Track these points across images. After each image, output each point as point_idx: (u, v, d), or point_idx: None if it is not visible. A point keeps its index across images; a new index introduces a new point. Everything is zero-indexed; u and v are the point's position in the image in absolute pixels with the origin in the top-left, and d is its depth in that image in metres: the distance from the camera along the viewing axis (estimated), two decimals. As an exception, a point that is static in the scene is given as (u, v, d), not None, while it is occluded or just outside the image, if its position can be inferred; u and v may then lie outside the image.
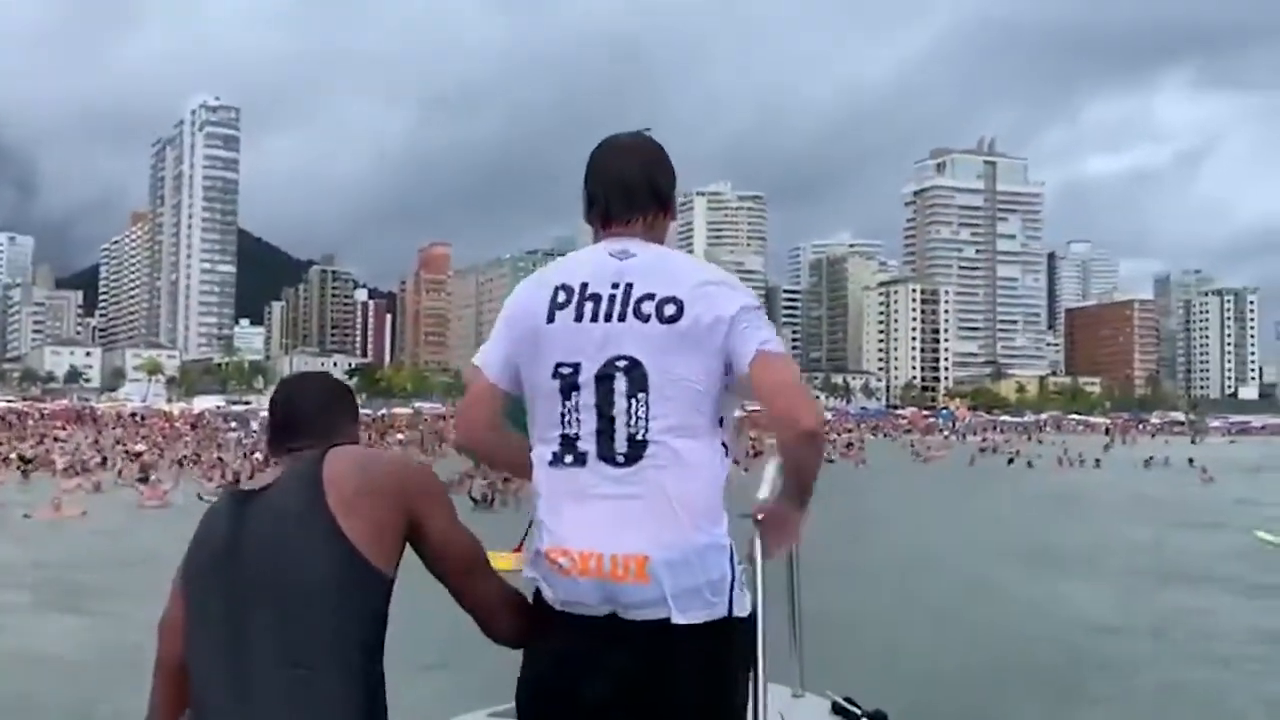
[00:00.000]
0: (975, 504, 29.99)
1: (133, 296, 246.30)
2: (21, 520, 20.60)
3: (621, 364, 1.95)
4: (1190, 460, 47.26)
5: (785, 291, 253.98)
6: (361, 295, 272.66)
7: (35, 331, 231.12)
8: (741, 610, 1.94)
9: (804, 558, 2.49)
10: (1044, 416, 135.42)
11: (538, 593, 2.01)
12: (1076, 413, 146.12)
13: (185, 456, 38.92)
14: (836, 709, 2.81)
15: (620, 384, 1.95)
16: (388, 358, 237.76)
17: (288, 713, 1.77)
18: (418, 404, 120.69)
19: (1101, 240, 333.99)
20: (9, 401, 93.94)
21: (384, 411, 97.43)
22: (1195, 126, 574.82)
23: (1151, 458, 47.30)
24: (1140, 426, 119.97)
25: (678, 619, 1.88)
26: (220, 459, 36.16)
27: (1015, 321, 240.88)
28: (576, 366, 1.97)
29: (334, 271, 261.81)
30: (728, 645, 1.93)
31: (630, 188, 2.10)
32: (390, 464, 2.00)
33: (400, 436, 56.14)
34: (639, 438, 1.93)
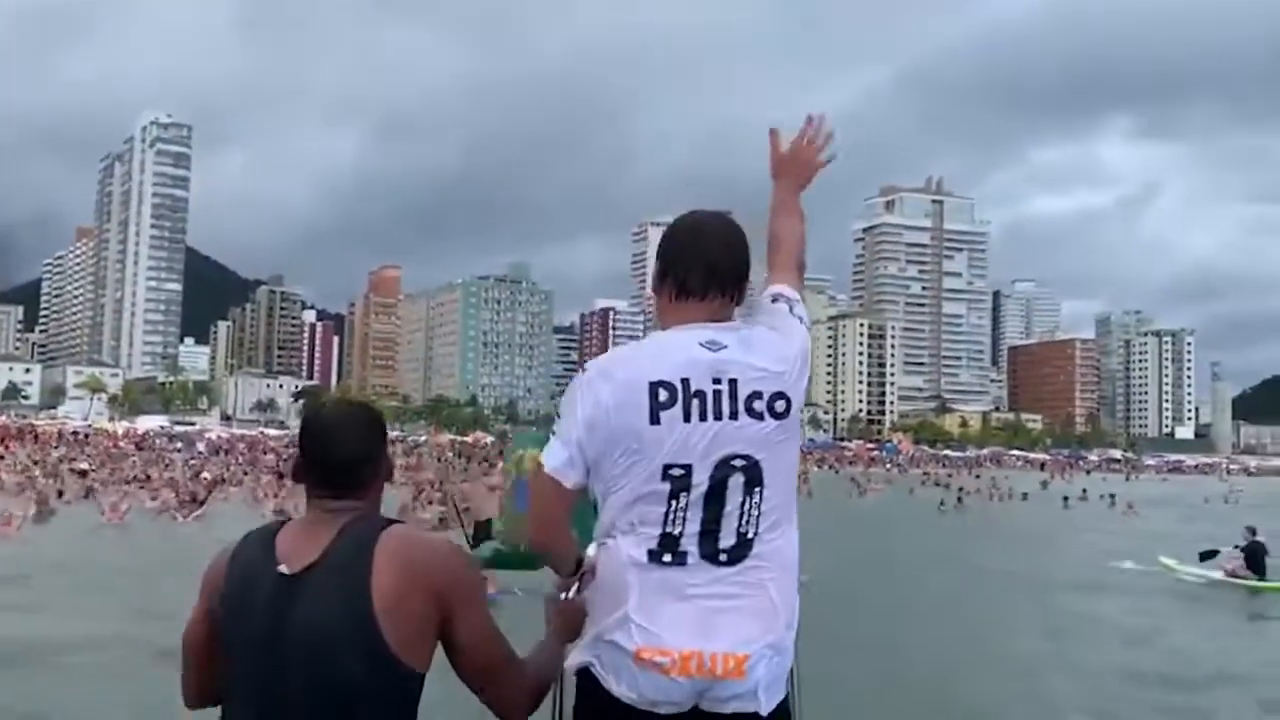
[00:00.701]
0: (904, 530, 31.57)
1: (75, 313, 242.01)
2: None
3: (738, 463, 1.96)
4: (1109, 496, 49.17)
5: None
6: (309, 316, 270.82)
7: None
8: (786, 690, 2.06)
9: None
10: (985, 451, 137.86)
11: (593, 684, 2.01)
12: (1018, 448, 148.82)
13: (135, 476, 38.70)
14: None
15: (736, 482, 1.96)
16: (334, 380, 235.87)
17: None
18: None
19: (1045, 279, 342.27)
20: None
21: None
22: (1137, 171, 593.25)
23: (1066, 496, 49.04)
24: (1078, 463, 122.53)
25: (765, 710, 1.97)
26: (173, 478, 36.11)
27: (960, 358, 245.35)
28: (688, 468, 1.95)
29: (282, 292, 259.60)
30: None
31: (715, 269, 2.11)
32: (434, 558, 1.95)
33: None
34: (749, 536, 1.97)
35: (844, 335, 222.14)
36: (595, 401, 2.00)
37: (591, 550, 2.09)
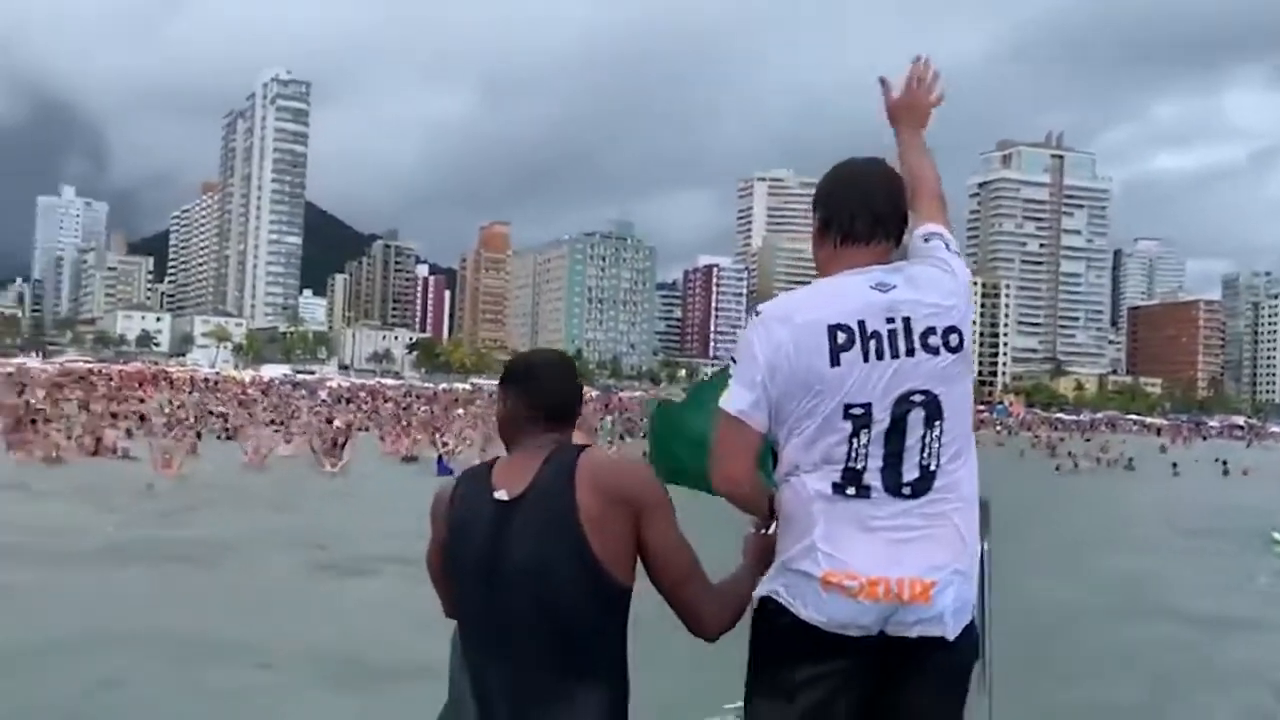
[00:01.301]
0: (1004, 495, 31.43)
1: (201, 264, 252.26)
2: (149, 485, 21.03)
3: (917, 398, 2.03)
4: (1222, 462, 47.67)
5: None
6: (422, 271, 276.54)
7: (108, 295, 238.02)
8: (971, 617, 2.12)
9: None
10: (1100, 416, 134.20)
11: (778, 611, 2.08)
12: (1135, 413, 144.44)
13: (272, 420, 41.10)
14: None
15: (916, 416, 2.03)
16: (445, 333, 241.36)
17: (551, 716, 2.02)
18: (475, 380, 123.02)
19: (1169, 238, 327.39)
20: (86, 362, 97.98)
21: (444, 386, 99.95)
22: (1270, 125, 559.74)
23: (1175, 463, 47.65)
24: (1198, 429, 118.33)
25: (951, 635, 2.03)
26: (310, 423, 38.41)
27: (1077, 318, 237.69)
28: (868, 406, 2.02)
29: (397, 246, 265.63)
30: (969, 651, 2.12)
31: (878, 213, 2.17)
32: (627, 474, 2.11)
33: (460, 412, 57.97)
34: (931, 468, 2.03)
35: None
36: (775, 345, 2.05)
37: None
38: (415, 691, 4.49)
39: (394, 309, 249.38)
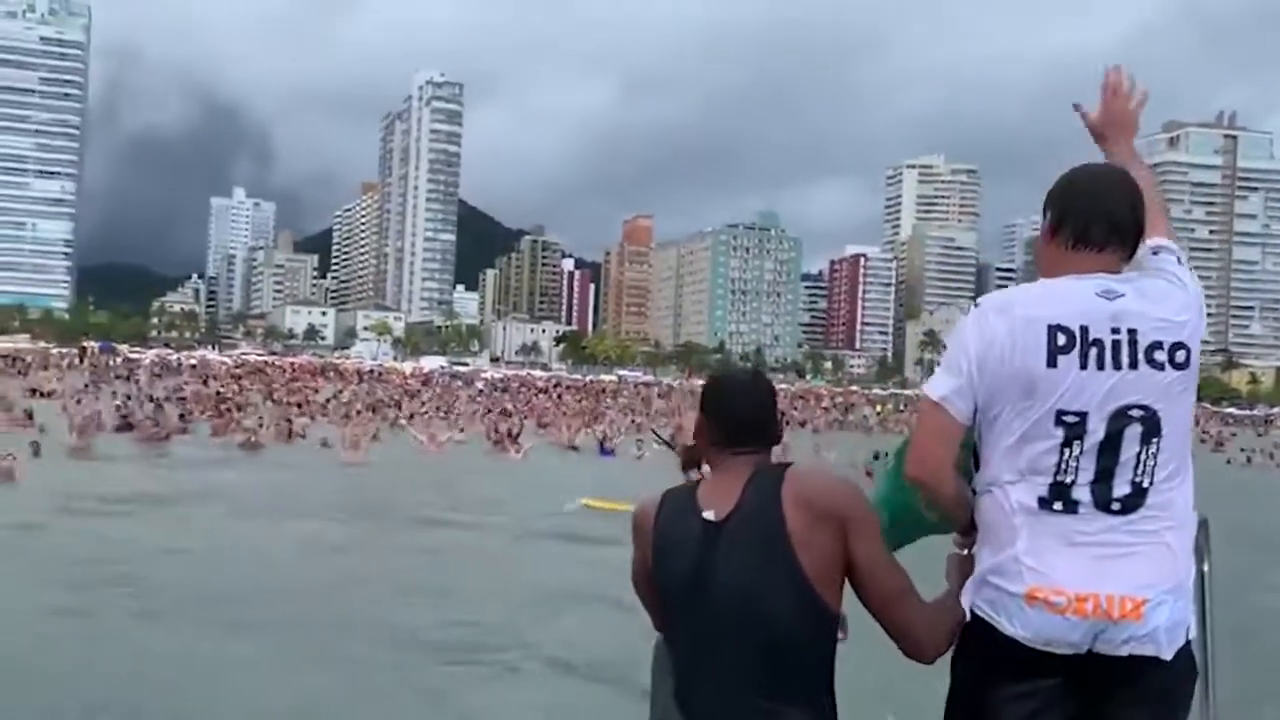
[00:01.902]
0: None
1: (361, 261, 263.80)
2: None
3: (1136, 413, 1.95)
4: None
5: (998, 269, 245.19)
6: (568, 265, 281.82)
7: (276, 291, 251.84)
8: (1187, 638, 2.03)
9: None
10: (1276, 410, 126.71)
11: (981, 627, 2.03)
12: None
13: (437, 408, 43.46)
14: None
15: (1133, 432, 1.95)
16: (590, 325, 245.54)
17: None
18: (620, 372, 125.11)
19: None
20: (258, 355, 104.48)
21: (591, 377, 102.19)
22: None
23: None
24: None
25: (1166, 655, 1.95)
26: (486, 414, 40.67)
27: (1251, 308, 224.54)
28: (1083, 416, 1.95)
29: (543, 241, 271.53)
30: (1185, 672, 2.02)
31: (1116, 222, 2.09)
32: (833, 488, 2.08)
33: (609, 402, 59.49)
34: (1144, 485, 1.96)
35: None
36: (990, 337, 2.00)
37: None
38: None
39: (541, 302, 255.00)
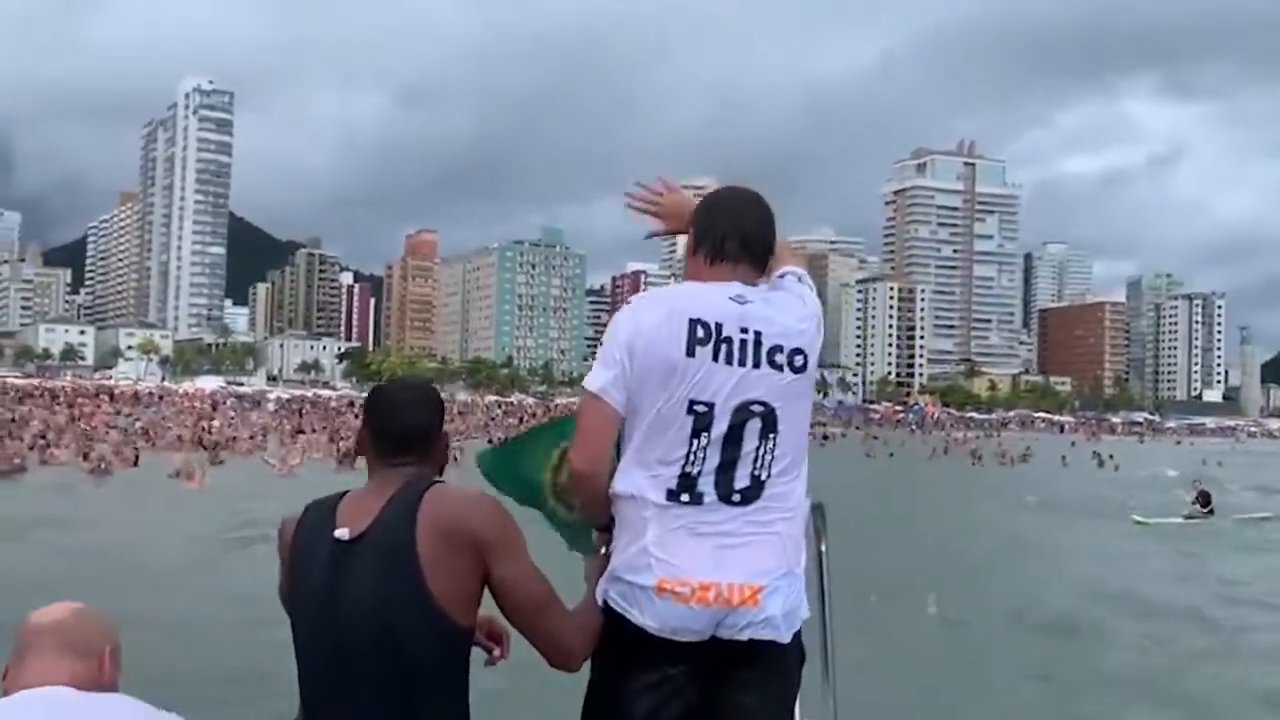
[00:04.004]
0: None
1: (120, 275, 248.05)
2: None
3: (757, 408, 2.09)
4: (1097, 455, 53.46)
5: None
6: (347, 278, 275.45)
7: (24, 308, 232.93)
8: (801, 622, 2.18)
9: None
10: (1011, 414, 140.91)
11: (615, 618, 2.11)
12: (1045, 411, 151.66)
13: (251, 435, 43.50)
14: None
15: (754, 426, 2.09)
16: (371, 341, 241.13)
17: None
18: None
19: (1077, 241, 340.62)
20: (18, 378, 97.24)
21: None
22: (1167, 131, 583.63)
23: (1064, 455, 53.46)
24: (1103, 426, 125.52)
25: (784, 638, 2.11)
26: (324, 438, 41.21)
27: (990, 320, 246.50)
28: (711, 406, 2.07)
29: (320, 254, 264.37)
30: (796, 653, 2.19)
31: (748, 238, 2.24)
32: (469, 513, 2.03)
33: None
34: (762, 478, 2.10)
35: (874, 298, 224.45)
36: (637, 328, 2.12)
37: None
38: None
39: (319, 317, 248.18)
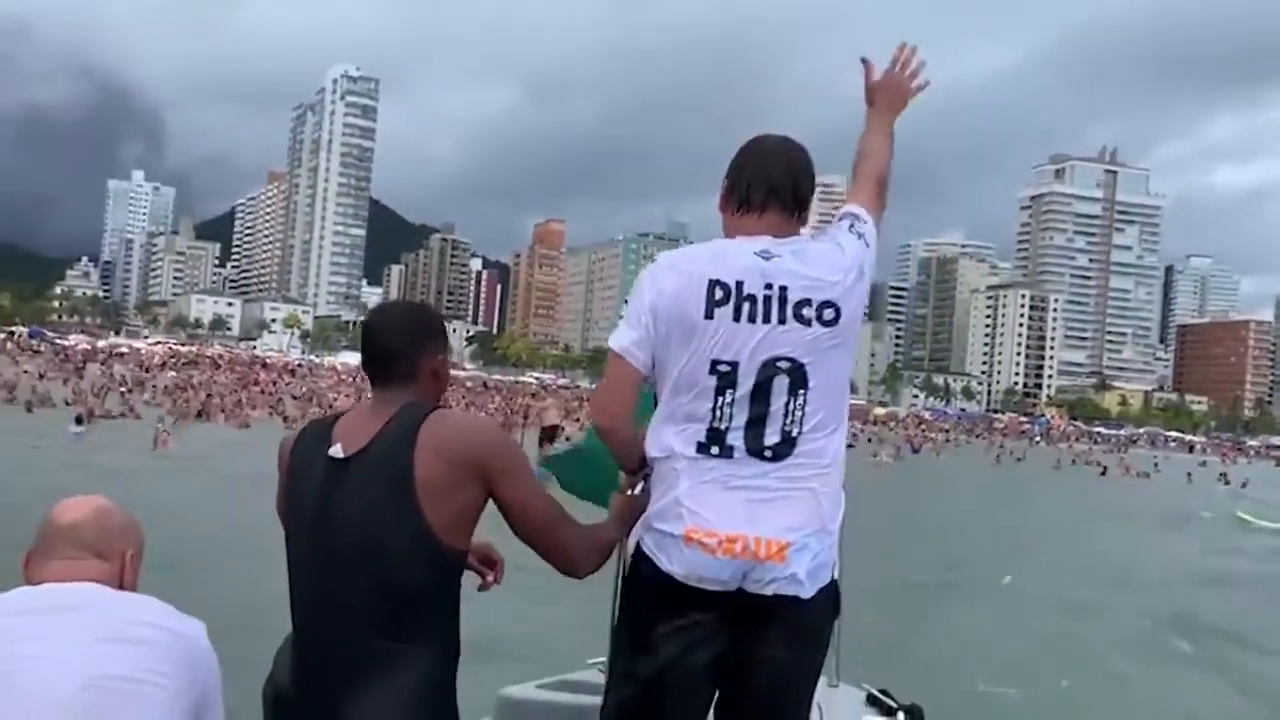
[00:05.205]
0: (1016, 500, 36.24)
1: (265, 251, 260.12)
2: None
3: (784, 365, 2.09)
4: (1222, 475, 53.42)
5: (891, 288, 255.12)
6: (476, 264, 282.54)
7: (176, 278, 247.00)
8: (831, 577, 2.20)
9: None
10: (1141, 431, 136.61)
11: (646, 562, 2.16)
12: (1177, 430, 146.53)
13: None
14: (872, 700, 3.02)
15: (781, 383, 2.09)
16: (496, 326, 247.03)
17: (374, 679, 1.94)
18: (532, 374, 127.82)
19: (1223, 255, 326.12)
20: (180, 344, 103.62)
21: (513, 379, 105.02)
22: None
23: (1190, 473, 52.82)
24: (1239, 449, 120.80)
25: (806, 595, 2.11)
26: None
27: (1124, 334, 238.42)
28: (734, 365, 2.08)
29: (453, 240, 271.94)
30: (827, 609, 2.19)
31: (774, 185, 2.22)
32: (474, 438, 2.02)
33: (550, 401, 62.92)
34: (793, 434, 2.10)
35: (1004, 305, 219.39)
36: (660, 290, 2.13)
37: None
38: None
39: (449, 300, 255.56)
